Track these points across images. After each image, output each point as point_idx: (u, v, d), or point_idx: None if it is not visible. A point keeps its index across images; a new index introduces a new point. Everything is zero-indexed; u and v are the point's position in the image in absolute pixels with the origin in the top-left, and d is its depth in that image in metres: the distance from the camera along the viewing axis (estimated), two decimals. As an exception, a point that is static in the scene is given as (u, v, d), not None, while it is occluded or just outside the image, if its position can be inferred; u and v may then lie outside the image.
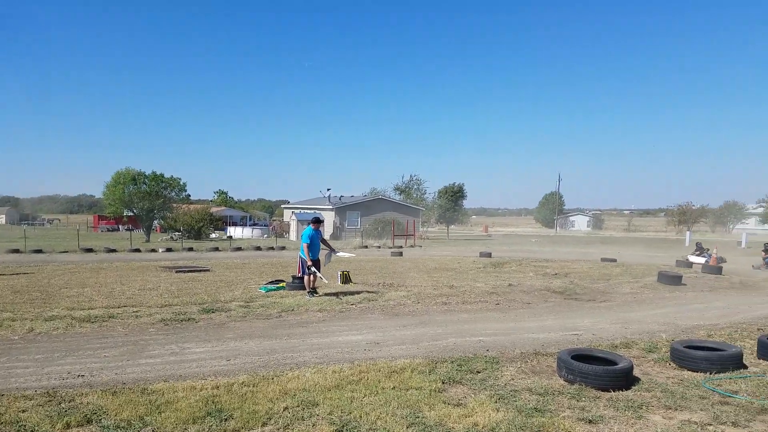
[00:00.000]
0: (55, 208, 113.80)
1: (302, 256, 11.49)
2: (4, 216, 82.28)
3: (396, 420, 4.18)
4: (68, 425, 4.14)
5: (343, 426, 4.08)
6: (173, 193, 43.28)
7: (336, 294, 11.54)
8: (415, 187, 58.66)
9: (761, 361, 6.35)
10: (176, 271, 16.88)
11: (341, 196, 49.82)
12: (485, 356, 6.32)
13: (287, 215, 54.81)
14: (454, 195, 54.44)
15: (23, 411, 4.42)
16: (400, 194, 57.11)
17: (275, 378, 5.41)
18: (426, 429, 4.04)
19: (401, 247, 31.40)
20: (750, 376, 5.64)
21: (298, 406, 4.52)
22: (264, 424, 4.18)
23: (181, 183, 43.61)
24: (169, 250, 28.99)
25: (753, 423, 4.33)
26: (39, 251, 25.61)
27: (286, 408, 4.50)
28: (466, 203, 57.97)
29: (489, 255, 23.67)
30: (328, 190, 39.10)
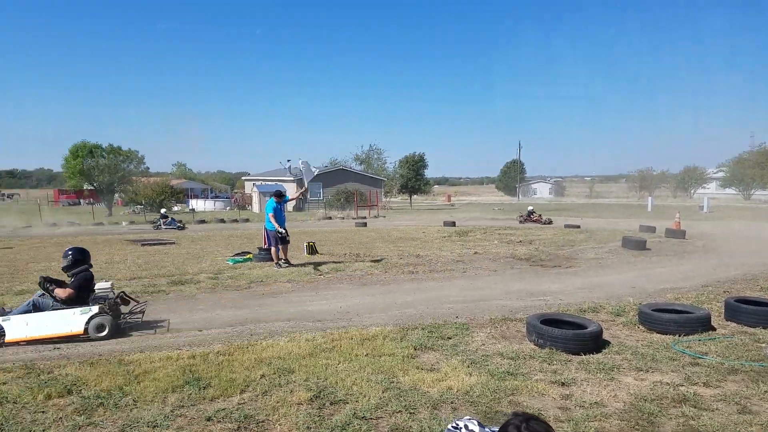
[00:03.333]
0: (13, 183, 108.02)
1: (268, 227, 11.43)
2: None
3: (371, 385, 4.29)
4: (49, 396, 4.10)
5: (320, 391, 4.17)
6: (131, 166, 41.87)
7: (303, 264, 11.57)
8: (375, 156, 58.41)
9: (729, 323, 6.33)
10: (142, 245, 16.50)
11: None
12: (455, 323, 6.41)
13: (248, 187, 53.84)
14: (416, 164, 54.14)
15: (4, 383, 4.36)
16: (360, 164, 56.76)
17: (250, 347, 5.44)
18: (401, 393, 4.16)
19: (365, 218, 31.48)
20: (718, 338, 5.68)
21: (275, 374, 4.59)
22: (242, 391, 4.23)
23: (139, 156, 42.20)
24: (132, 223, 28.18)
25: (724, 383, 4.42)
26: (2, 226, 24.43)
27: (262, 376, 4.55)
28: (428, 173, 57.80)
29: (453, 224, 23.92)
30: (288, 161, 38.41)
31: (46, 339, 5.85)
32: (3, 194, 78.80)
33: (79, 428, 3.60)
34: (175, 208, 43.92)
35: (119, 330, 6.26)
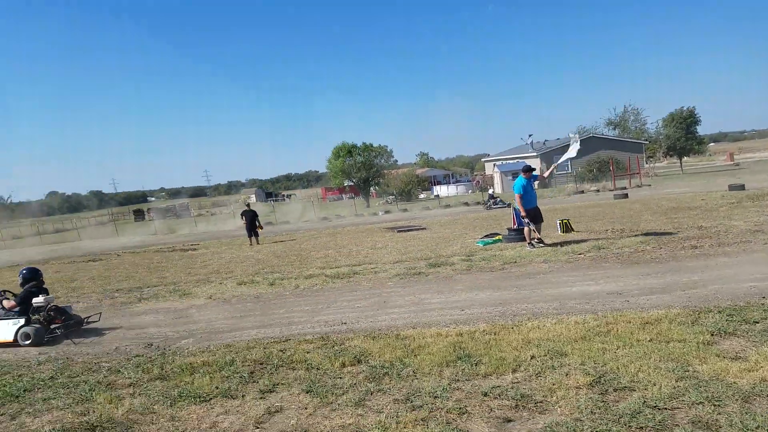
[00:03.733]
0: (290, 185, 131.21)
1: (516, 207, 11.32)
2: (254, 195, 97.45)
3: (661, 373, 3.89)
4: (344, 364, 4.80)
5: (600, 377, 3.95)
6: (382, 160, 46.64)
7: (559, 244, 11.13)
8: (632, 118, 52.15)
9: None
10: (397, 231, 18.15)
11: (545, 141, 47.32)
12: (762, 304, 5.41)
13: (489, 168, 54.30)
14: (685, 121, 46.38)
15: (307, 352, 5.27)
16: (614, 129, 51.81)
17: (515, 327, 5.47)
18: (700, 383, 3.66)
19: (625, 188, 28.73)
20: None
21: (545, 356, 4.52)
22: (514, 371, 4.28)
23: (388, 150, 46.73)
24: (387, 212, 31.25)
25: None
26: (287, 222, 29.91)
27: (533, 357, 4.53)
28: (701, 129, 49.08)
29: (742, 187, 20.17)
30: (530, 136, 37.55)
31: None
32: (283, 195, 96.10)
33: (371, 393, 4.13)
34: (422, 196, 47.26)
35: (46, 339, 6.87)
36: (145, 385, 4.79)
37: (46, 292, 7.60)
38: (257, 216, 18.83)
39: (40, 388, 4.95)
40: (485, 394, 3.86)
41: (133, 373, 5.17)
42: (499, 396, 3.82)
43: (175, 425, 3.87)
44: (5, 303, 7.27)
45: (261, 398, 4.23)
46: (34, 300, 7.21)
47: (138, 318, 8.00)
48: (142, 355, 5.81)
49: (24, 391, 4.90)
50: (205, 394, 4.38)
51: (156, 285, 10.92)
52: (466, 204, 30.02)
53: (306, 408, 3.96)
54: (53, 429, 3.96)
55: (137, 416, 4.09)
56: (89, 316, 7.52)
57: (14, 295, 7.56)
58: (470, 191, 48.98)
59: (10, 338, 6.85)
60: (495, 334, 5.31)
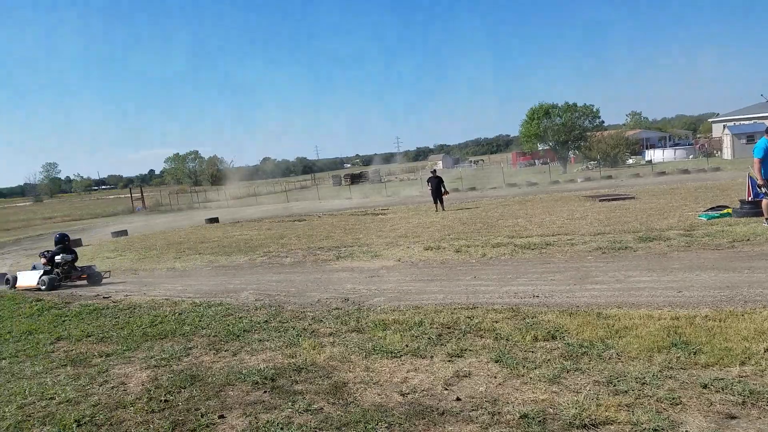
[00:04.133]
0: (478, 150, 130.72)
1: (752, 175, 9.67)
2: (440, 161, 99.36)
3: None
4: (536, 338, 4.68)
5: None
6: (586, 122, 43.66)
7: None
8: None
9: None
10: (599, 200, 16.95)
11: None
12: None
13: (717, 130, 47.22)
14: None
15: (496, 322, 5.25)
16: None
17: (745, 315, 4.75)
18: None
19: None
20: None
21: (786, 351, 3.84)
22: (742, 363, 3.73)
23: (594, 110, 43.42)
24: (587, 179, 29.31)
25: None
26: (473, 188, 29.97)
27: (767, 350, 3.89)
28: None
29: None
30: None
31: (29, 287, 10.16)
32: (471, 161, 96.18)
33: (567, 372, 3.95)
34: (630, 161, 43.28)
35: (56, 286, 9.94)
36: (343, 336, 5.28)
37: (69, 251, 10.63)
38: (443, 182, 19.15)
39: (256, 330, 5.78)
40: (705, 387, 3.43)
41: (332, 323, 5.73)
42: (722, 390, 3.36)
43: (370, 375, 4.19)
44: (42, 260, 10.52)
45: (449, 361, 4.35)
46: (56, 258, 10.30)
47: (336, 274, 8.81)
48: (341, 308, 6.41)
49: (243, 331, 5.77)
50: (396, 350, 4.66)
51: (351, 245, 11.87)
52: (686, 171, 26.63)
53: (495, 377, 3.97)
54: (266, 367, 4.59)
55: (336, 363, 4.53)
56: (107, 273, 10.63)
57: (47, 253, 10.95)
58: (691, 156, 43.31)
59: (33, 284, 10.20)
60: (720, 321, 4.67)
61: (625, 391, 3.50)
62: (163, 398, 4.08)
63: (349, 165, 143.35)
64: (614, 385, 3.61)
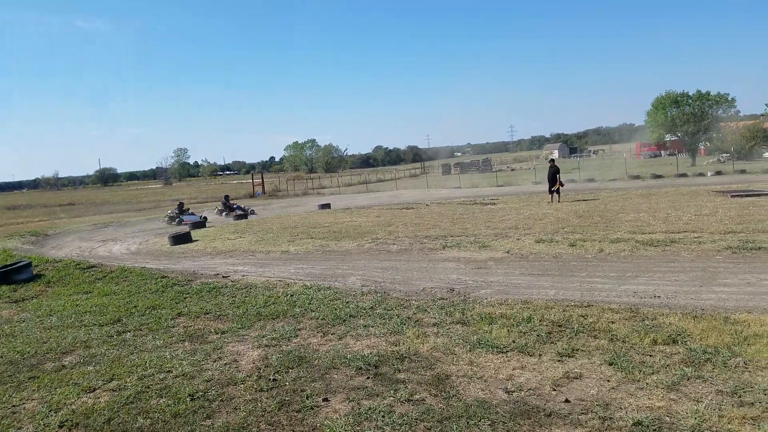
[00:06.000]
0: (598, 140, 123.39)
1: None
2: (556, 151, 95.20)
3: None
4: (655, 341, 4.36)
5: None
6: (720, 111, 39.75)
7: None
8: None
9: None
10: (732, 196, 15.41)
11: None
12: None
13: None
14: None
15: (612, 322, 4.94)
16: None
17: None
18: None
19: None
20: None
21: None
22: None
23: (729, 99, 39.35)
24: (718, 173, 26.70)
25: None
26: (591, 180, 28.38)
27: None
28: None
29: None
30: None
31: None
32: (589, 150, 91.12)
33: (687, 379, 3.64)
34: (766, 155, 38.78)
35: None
36: (447, 327, 5.24)
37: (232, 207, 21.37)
38: (559, 172, 18.32)
39: (362, 316, 5.92)
40: None
41: (437, 314, 5.71)
42: None
43: (474, 370, 4.13)
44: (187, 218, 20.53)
45: (559, 361, 4.17)
46: (204, 212, 19.06)
47: (442, 263, 8.77)
48: (446, 299, 6.36)
49: (350, 316, 5.93)
50: (502, 346, 4.55)
51: (458, 235, 11.74)
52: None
53: (608, 380, 3.74)
54: (370, 353, 4.69)
55: (440, 354, 4.52)
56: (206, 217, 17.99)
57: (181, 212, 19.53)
58: None
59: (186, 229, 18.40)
60: None
61: (752, 403, 3.17)
62: (271, 377, 4.31)
63: (459, 154, 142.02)
64: (739, 396, 3.29)
